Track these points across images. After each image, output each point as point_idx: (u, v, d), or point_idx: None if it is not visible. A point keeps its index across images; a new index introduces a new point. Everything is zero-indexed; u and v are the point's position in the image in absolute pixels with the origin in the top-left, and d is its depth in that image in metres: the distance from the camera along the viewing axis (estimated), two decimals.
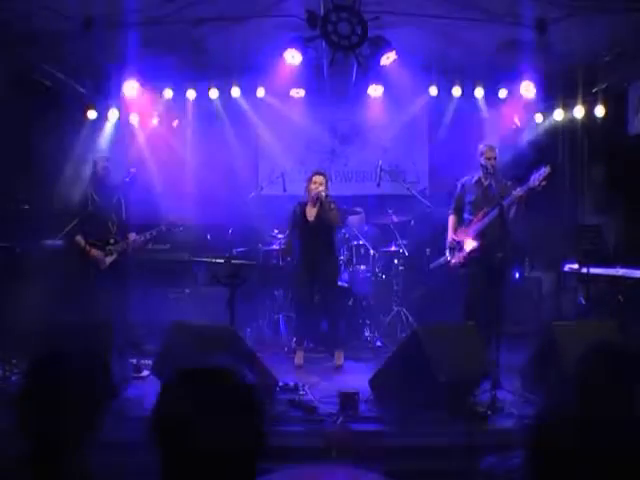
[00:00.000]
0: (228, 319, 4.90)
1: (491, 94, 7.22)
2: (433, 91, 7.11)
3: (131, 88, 6.66)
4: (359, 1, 5.04)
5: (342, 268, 6.49)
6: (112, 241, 5.62)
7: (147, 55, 6.07)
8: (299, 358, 5.63)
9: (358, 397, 4.05)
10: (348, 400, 4.01)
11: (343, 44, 4.96)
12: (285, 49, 5.62)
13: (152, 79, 6.89)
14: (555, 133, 7.77)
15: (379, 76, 6.67)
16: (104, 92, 7.07)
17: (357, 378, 4.87)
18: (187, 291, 7.00)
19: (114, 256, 5.61)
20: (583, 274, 5.85)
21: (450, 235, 5.57)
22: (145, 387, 4.59)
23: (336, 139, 8.23)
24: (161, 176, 7.59)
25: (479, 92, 7.14)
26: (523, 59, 6.32)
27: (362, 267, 6.65)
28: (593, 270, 5.85)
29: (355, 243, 6.67)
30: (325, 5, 5.10)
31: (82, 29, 5.32)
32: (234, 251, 6.38)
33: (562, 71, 6.99)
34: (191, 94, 7.17)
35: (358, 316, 6.50)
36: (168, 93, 7.09)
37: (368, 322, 6.50)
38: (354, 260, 6.63)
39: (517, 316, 6.58)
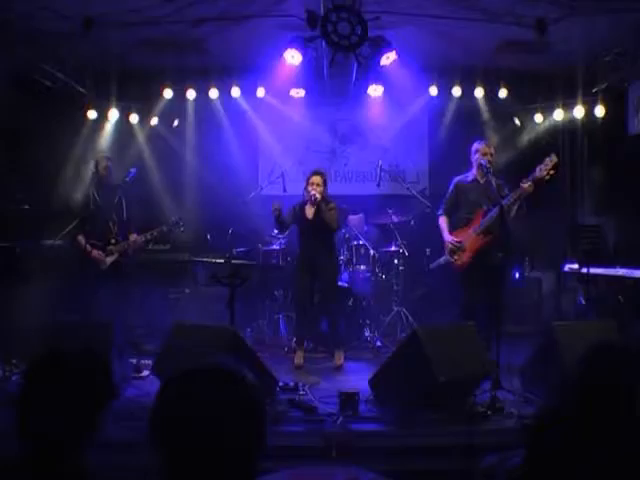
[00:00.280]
0: (228, 319, 4.90)
1: (491, 94, 7.22)
2: (433, 91, 7.11)
3: (131, 88, 6.67)
4: (359, 1, 5.04)
5: (342, 268, 6.50)
6: (113, 241, 5.61)
7: (147, 55, 6.07)
8: (299, 358, 5.62)
9: (358, 397, 4.04)
10: (348, 400, 4.00)
11: (343, 44, 4.95)
12: (285, 49, 5.62)
13: (152, 79, 6.89)
14: (555, 133, 7.77)
15: (379, 76, 6.67)
16: (104, 92, 7.07)
17: (357, 378, 4.87)
18: (187, 291, 7.01)
19: (115, 256, 5.60)
20: (583, 274, 5.84)
21: (447, 237, 5.38)
22: (145, 387, 4.58)
23: (336, 139, 8.23)
24: (161, 176, 7.60)
25: (479, 92, 7.13)
26: (523, 59, 6.33)
27: (362, 267, 6.64)
28: (593, 270, 5.84)
29: (355, 243, 6.66)
30: (325, 5, 5.10)
31: (82, 29, 5.32)
32: (234, 251, 6.39)
33: (562, 71, 6.99)
34: (191, 94, 7.17)
35: (358, 316, 6.49)
36: (168, 93, 7.09)
37: (368, 322, 6.49)
38: (354, 260, 6.62)
39: (517, 316, 6.59)
